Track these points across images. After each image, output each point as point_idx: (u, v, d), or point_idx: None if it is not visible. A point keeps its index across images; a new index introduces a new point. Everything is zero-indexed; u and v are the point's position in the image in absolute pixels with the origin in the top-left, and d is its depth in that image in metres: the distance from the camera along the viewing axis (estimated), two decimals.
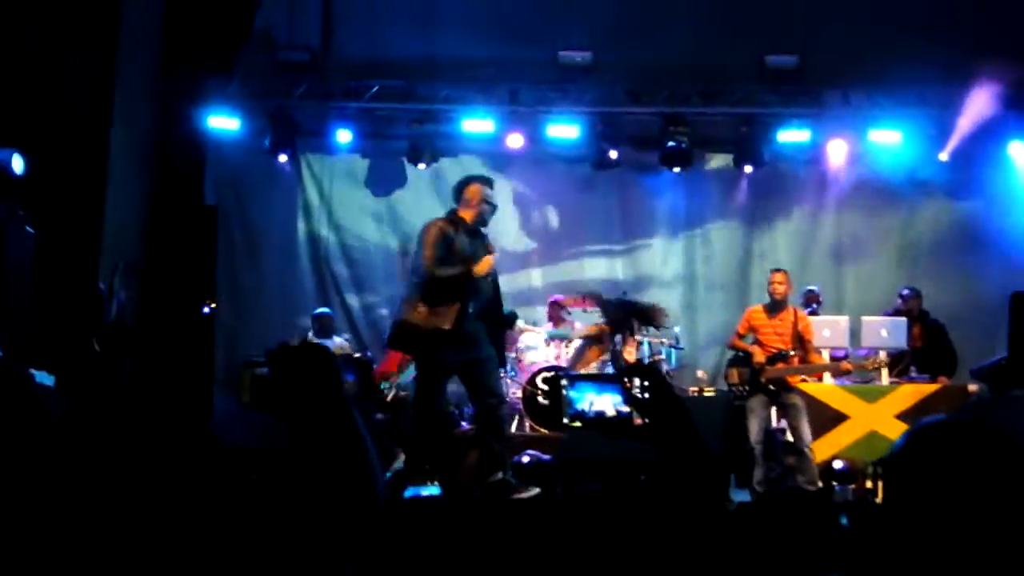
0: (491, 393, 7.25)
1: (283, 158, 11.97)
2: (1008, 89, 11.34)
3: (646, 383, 4.05)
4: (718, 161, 12.47)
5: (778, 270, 9.01)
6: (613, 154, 11.99)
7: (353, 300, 12.37)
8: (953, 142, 11.66)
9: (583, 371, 9.58)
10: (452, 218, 7.26)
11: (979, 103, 11.31)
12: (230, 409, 9.27)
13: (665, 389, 4.07)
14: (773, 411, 8.85)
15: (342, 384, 4.05)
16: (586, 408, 4.37)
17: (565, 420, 4.29)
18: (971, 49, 11.36)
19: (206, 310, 11.73)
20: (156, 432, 2.04)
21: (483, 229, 7.34)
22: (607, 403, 4.31)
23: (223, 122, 11.62)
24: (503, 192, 11.72)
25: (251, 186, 12.24)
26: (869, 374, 9.90)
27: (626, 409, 4.21)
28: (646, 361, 10.20)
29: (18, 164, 7.98)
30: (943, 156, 11.81)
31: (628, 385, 4.07)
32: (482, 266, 7.02)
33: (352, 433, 4.07)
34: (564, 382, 4.49)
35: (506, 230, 12.16)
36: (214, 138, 11.80)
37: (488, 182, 7.46)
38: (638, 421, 4.12)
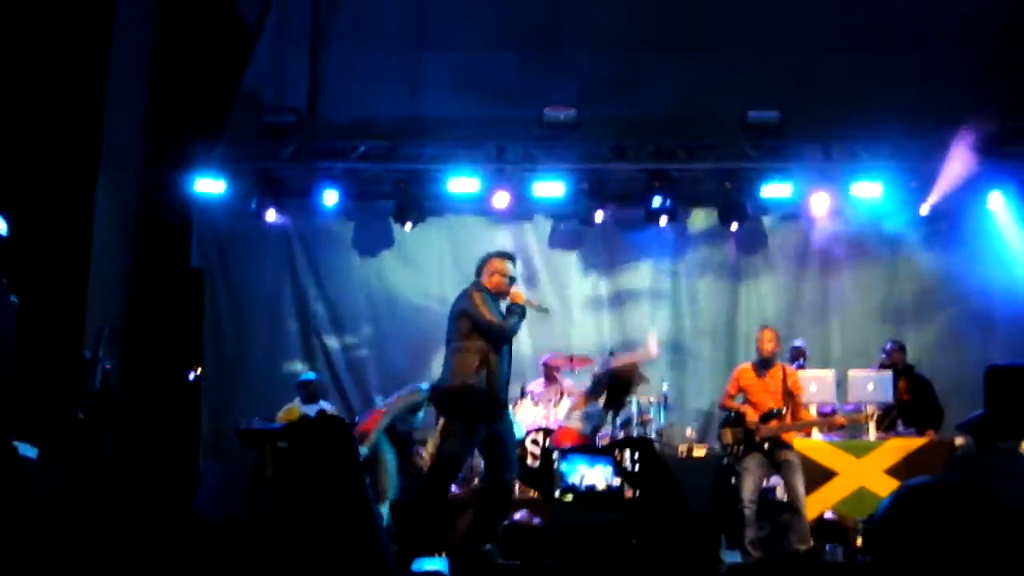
0: (509, 468, 7.44)
1: (270, 220, 11.86)
2: (987, 141, 11.38)
3: (636, 455, 4.02)
4: (703, 216, 12.43)
5: (766, 327, 8.97)
6: (599, 210, 12.00)
7: (339, 360, 12.24)
8: (934, 195, 11.68)
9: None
10: (479, 287, 7.60)
11: (958, 155, 11.36)
12: (218, 474, 9.12)
13: (655, 462, 4.03)
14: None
15: (358, 457, 3.96)
16: (577, 482, 4.33)
17: (557, 494, 4.21)
18: (949, 102, 11.46)
19: (192, 375, 11.62)
20: (138, 508, 1.98)
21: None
22: (598, 476, 4.28)
23: (209, 185, 11.55)
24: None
25: (237, 249, 12.14)
26: (857, 429, 9.87)
27: (617, 482, 4.17)
28: (635, 420, 10.11)
29: (1, 226, 7.88)
30: (924, 209, 11.82)
31: (619, 458, 4.03)
32: (520, 295, 7.67)
33: (364, 506, 4.01)
34: (555, 455, 4.42)
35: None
36: (200, 201, 11.74)
37: (507, 256, 7.85)
38: (629, 493, 4.09)
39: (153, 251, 11.50)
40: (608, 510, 4.01)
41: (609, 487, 3.91)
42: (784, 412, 8.59)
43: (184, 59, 11.46)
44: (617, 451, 3.81)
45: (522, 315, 7.53)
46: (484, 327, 7.36)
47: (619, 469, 3.79)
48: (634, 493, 3.76)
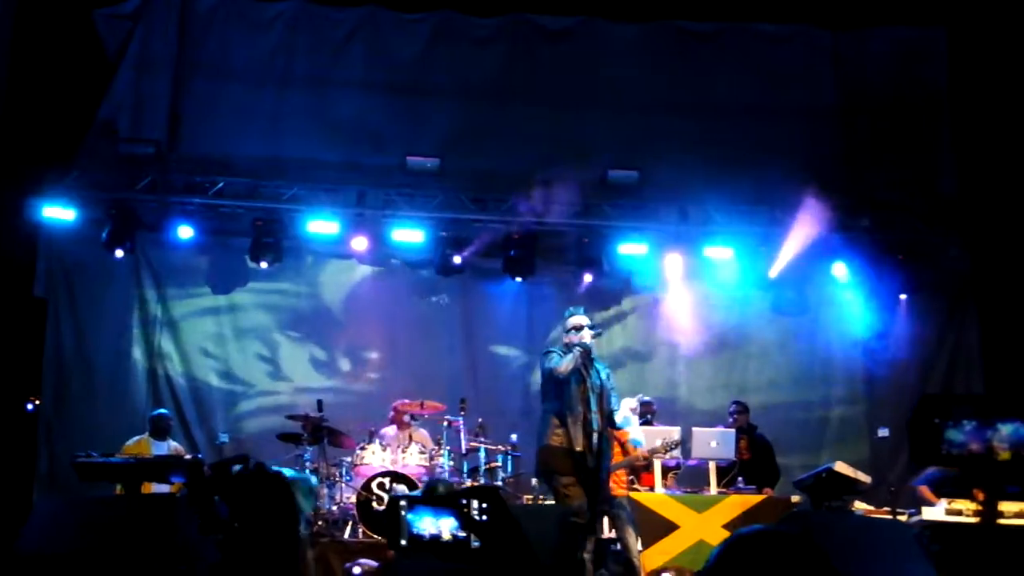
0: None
1: (120, 252, 11.98)
2: (833, 212, 12.25)
3: (484, 505, 4.08)
4: (559, 270, 13.03)
5: None
6: (457, 260, 12.49)
7: (186, 397, 12.37)
8: (781, 261, 12.49)
9: None
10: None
11: (805, 224, 12.19)
12: (51, 507, 9.12)
13: (502, 511, 4.18)
14: (605, 521, 9.16)
15: (297, 514, 4.05)
16: (423, 531, 4.27)
17: (403, 542, 4.30)
18: (799, 173, 12.27)
19: (30, 406, 11.52)
20: None
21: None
22: (444, 526, 4.29)
23: (59, 212, 11.65)
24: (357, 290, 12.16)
25: (85, 279, 12.24)
26: (698, 484, 10.38)
27: (463, 533, 4.17)
28: (483, 468, 10.48)
29: None
30: (772, 274, 12.63)
31: (465, 507, 4.07)
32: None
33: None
34: (403, 503, 4.46)
35: (348, 330, 12.61)
36: (48, 229, 11.80)
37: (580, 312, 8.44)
38: (475, 543, 4.15)
39: None
40: (453, 560, 4.18)
41: (454, 537, 4.08)
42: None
43: (39, 84, 11.48)
44: (463, 500, 3.95)
45: (582, 353, 7.88)
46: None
47: (465, 519, 3.96)
48: (480, 543, 3.93)
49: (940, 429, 2.50)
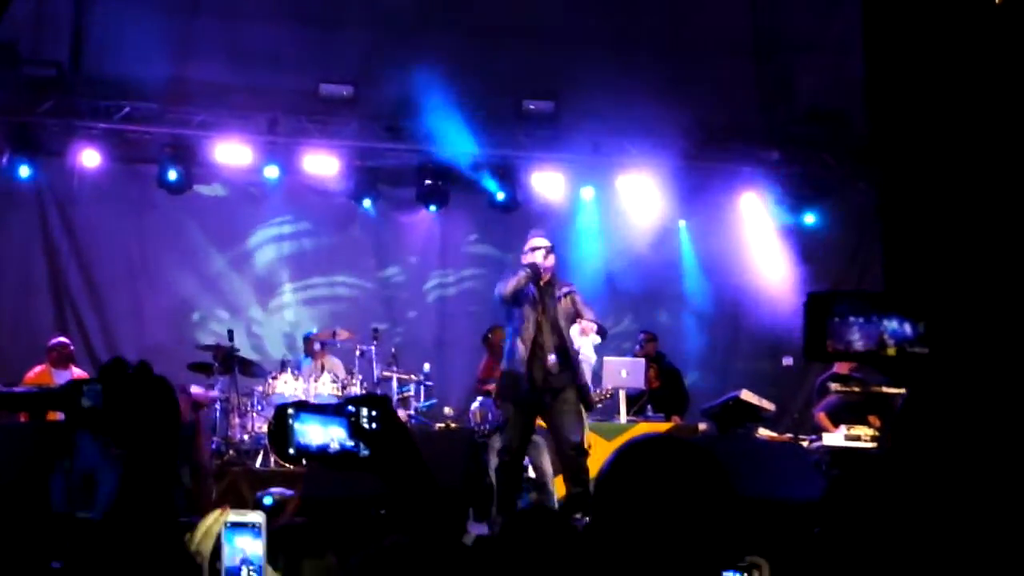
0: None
1: (23, 178, 11.84)
2: (744, 145, 12.48)
3: (374, 413, 4.11)
4: (473, 200, 13.08)
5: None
6: (370, 189, 12.55)
7: (93, 327, 12.31)
8: (692, 195, 12.71)
9: None
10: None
11: (716, 156, 12.45)
12: None
13: (393, 420, 4.26)
14: None
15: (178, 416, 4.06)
16: (310, 442, 4.22)
17: (291, 451, 4.25)
18: (714, 107, 12.45)
19: None
20: None
21: None
22: (332, 435, 4.24)
23: None
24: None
25: None
26: (609, 412, 10.68)
27: (351, 443, 4.11)
28: (395, 397, 10.64)
29: None
30: (682, 208, 12.85)
31: (354, 417, 4.08)
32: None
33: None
34: (290, 411, 4.43)
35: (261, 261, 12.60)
36: None
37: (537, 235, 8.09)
38: (365, 453, 4.19)
39: None
40: (342, 469, 4.19)
41: (342, 447, 4.06)
42: None
43: None
44: (352, 408, 3.91)
45: (525, 275, 7.60)
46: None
47: (354, 428, 3.94)
48: (370, 452, 3.93)
49: (828, 326, 2.49)
